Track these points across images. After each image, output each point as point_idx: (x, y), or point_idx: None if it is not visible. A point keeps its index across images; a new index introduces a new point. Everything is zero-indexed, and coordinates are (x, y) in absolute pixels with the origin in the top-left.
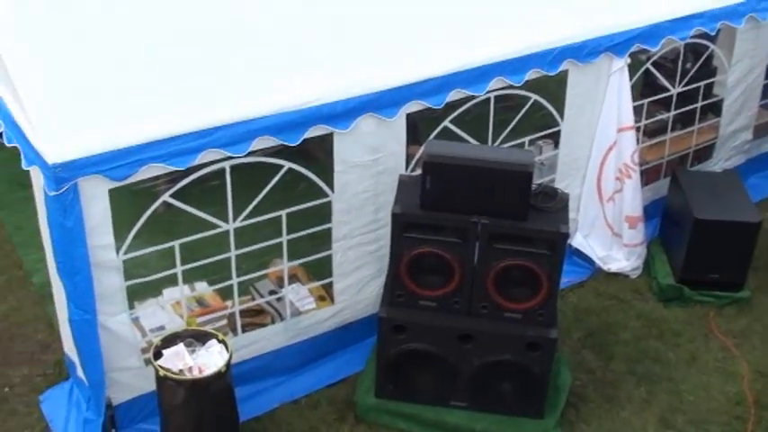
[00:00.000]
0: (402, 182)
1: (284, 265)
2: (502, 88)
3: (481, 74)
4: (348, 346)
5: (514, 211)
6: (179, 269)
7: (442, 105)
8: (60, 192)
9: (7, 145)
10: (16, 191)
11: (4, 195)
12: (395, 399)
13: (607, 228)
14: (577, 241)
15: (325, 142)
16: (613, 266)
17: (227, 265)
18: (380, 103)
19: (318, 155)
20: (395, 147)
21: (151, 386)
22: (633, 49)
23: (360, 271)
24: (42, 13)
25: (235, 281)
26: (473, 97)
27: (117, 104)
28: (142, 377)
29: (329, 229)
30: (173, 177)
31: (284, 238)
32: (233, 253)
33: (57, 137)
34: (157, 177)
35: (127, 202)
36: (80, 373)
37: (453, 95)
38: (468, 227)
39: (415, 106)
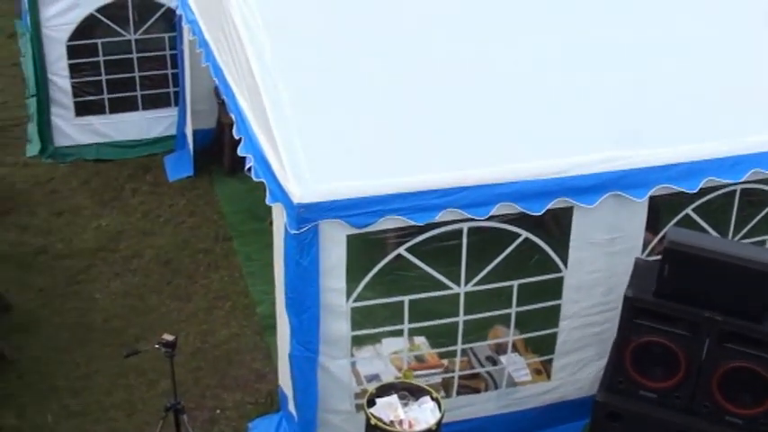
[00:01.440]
0: (638, 266)
1: (509, 337)
2: (754, 181)
3: (739, 163)
4: (559, 424)
5: (751, 311)
6: (406, 326)
7: (696, 190)
8: (301, 231)
9: (254, 179)
10: (251, 222)
11: (240, 225)
12: None
13: None
14: None
15: (562, 216)
16: None
17: (450, 324)
18: (629, 182)
19: (552, 228)
20: (634, 228)
21: None
22: None
23: (582, 351)
24: (306, 60)
25: (459, 346)
26: (720, 187)
27: (364, 154)
28: (352, 422)
29: (557, 305)
30: (408, 232)
31: (513, 310)
32: (461, 318)
33: (304, 178)
34: (393, 229)
35: (358, 249)
36: (291, 407)
37: (705, 183)
38: (700, 321)
39: (663, 189)
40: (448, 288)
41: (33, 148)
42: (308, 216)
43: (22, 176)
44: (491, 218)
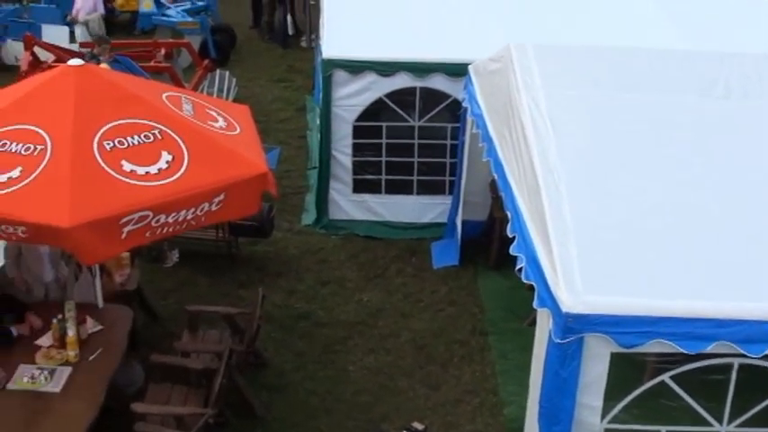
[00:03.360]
0: None
1: None
2: None
3: None
4: None
5: None
6: None
7: None
8: (565, 341)
9: (523, 280)
10: (510, 320)
11: (499, 322)
12: None
13: None
14: None
15: None
16: None
17: None
18: None
19: None
20: None
21: None
22: None
23: None
24: (590, 167)
25: None
26: None
27: (640, 271)
28: None
29: None
30: (675, 359)
31: None
32: None
33: (576, 287)
34: (659, 353)
35: (619, 367)
36: None
37: None
38: None
39: None
40: (709, 425)
41: (309, 218)
42: (575, 327)
43: (295, 243)
44: (766, 357)
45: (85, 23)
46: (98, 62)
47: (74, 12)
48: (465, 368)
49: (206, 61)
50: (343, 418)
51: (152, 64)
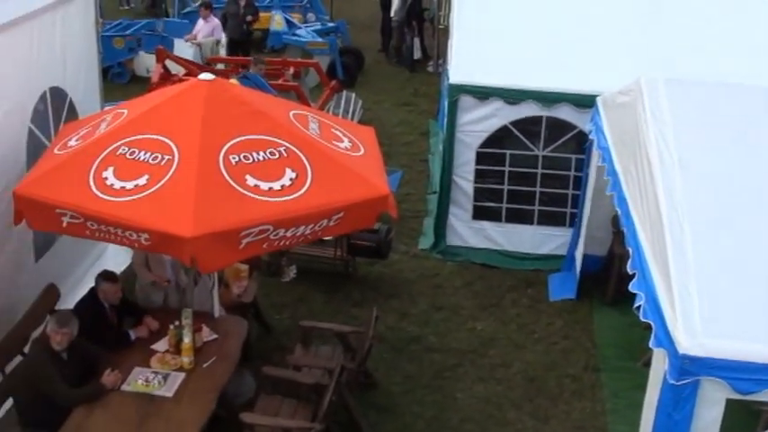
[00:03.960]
0: None
1: None
2: None
3: None
4: None
5: None
6: None
7: None
8: (680, 383)
9: (641, 318)
10: (624, 358)
11: (612, 359)
12: None
13: None
14: None
15: None
16: None
17: None
18: None
19: None
20: None
21: None
22: None
23: None
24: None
25: None
26: None
27: (759, 316)
28: None
29: None
30: None
31: None
32: None
33: (694, 329)
34: None
35: (732, 414)
36: None
37: None
38: None
39: None
40: None
41: (426, 242)
42: (691, 369)
43: (411, 266)
44: None
45: (200, 45)
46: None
47: (194, 31)
48: (575, 404)
49: (333, 82)
50: None
51: (280, 82)
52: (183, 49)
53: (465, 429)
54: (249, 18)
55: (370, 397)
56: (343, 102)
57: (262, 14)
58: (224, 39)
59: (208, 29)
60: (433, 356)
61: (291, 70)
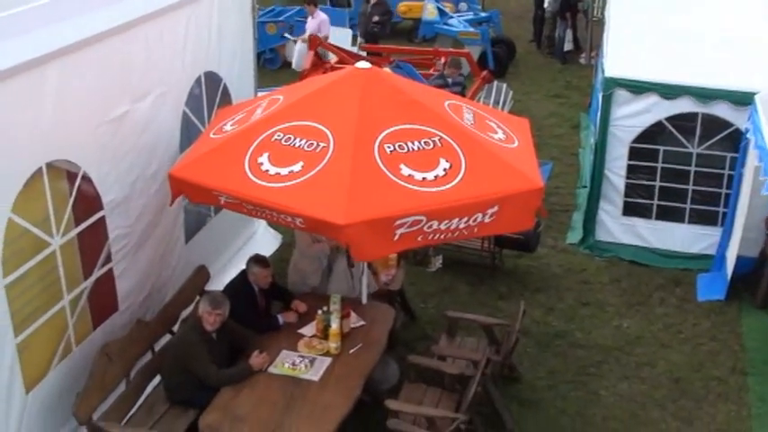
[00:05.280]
0: None
1: None
2: None
3: None
4: None
5: None
6: None
7: None
8: None
9: None
10: None
11: (761, 363)
12: None
13: None
14: None
15: None
16: None
17: None
18: None
19: None
20: None
21: None
22: None
23: None
24: None
25: None
26: None
27: None
28: None
29: None
30: None
31: None
32: None
33: None
34: None
35: None
36: None
37: None
38: None
39: None
40: None
41: (574, 236)
42: None
43: (558, 261)
44: None
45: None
46: (445, 81)
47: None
48: (720, 406)
49: (484, 72)
50: None
51: (431, 72)
52: (336, 35)
53: (608, 427)
54: (376, 18)
55: (514, 390)
56: (493, 92)
57: (414, 4)
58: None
59: (314, 24)
60: (577, 352)
61: (443, 60)
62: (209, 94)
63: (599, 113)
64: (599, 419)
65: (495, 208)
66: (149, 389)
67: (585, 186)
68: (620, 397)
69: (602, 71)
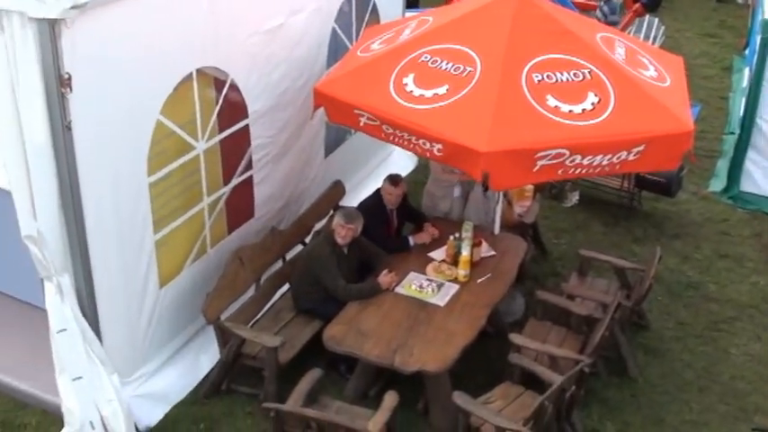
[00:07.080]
0: None
1: None
2: None
3: None
4: None
5: None
6: None
7: None
8: None
9: None
10: None
11: None
12: None
13: None
14: None
15: None
16: None
17: None
18: None
19: None
20: None
21: None
22: None
23: None
24: None
25: None
26: None
27: None
28: None
29: None
30: None
31: None
32: None
33: None
34: None
35: None
36: None
37: None
38: None
39: None
40: None
41: (717, 185)
42: None
43: (698, 208)
44: None
45: None
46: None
47: None
48: None
49: (637, 5)
50: (715, 401)
51: (582, 1)
52: None
53: (735, 387)
54: None
55: (640, 338)
56: (644, 26)
57: None
58: None
59: None
60: (710, 306)
61: None
62: (359, 12)
63: (755, 57)
64: (726, 378)
65: (642, 147)
66: (277, 296)
67: (733, 133)
68: (751, 357)
69: (762, 12)
